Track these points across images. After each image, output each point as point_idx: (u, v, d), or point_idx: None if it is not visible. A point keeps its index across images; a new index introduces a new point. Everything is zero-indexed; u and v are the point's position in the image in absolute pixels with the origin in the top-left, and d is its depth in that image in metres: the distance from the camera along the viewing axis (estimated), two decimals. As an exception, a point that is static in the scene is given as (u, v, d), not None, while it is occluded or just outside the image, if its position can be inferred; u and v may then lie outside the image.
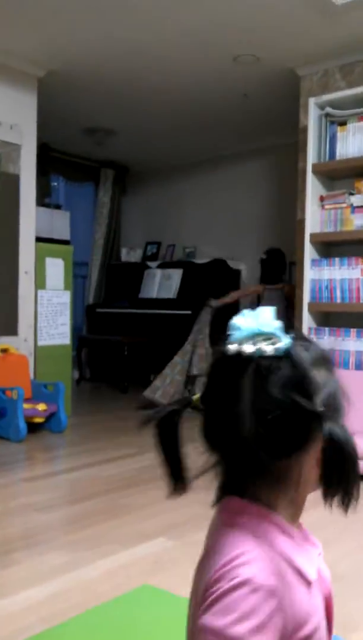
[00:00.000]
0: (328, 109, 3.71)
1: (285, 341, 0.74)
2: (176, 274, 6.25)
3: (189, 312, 5.84)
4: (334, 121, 3.72)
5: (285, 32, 3.72)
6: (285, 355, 0.74)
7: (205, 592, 0.72)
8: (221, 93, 4.76)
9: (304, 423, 0.72)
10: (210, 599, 0.70)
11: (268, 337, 0.75)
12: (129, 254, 6.98)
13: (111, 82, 4.60)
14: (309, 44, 3.85)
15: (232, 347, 0.75)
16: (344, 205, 3.65)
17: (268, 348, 0.73)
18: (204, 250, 6.49)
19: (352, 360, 3.54)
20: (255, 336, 0.75)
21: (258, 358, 0.73)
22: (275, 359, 0.73)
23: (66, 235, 5.68)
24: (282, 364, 0.73)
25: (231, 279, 6.24)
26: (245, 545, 0.73)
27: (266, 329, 0.75)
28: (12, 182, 4.25)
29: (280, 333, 0.75)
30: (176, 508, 2.59)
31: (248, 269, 6.28)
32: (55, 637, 1.56)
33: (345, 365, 3.56)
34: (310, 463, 0.75)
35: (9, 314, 4.25)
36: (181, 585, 1.87)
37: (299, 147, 4.11)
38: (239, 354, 0.74)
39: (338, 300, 3.62)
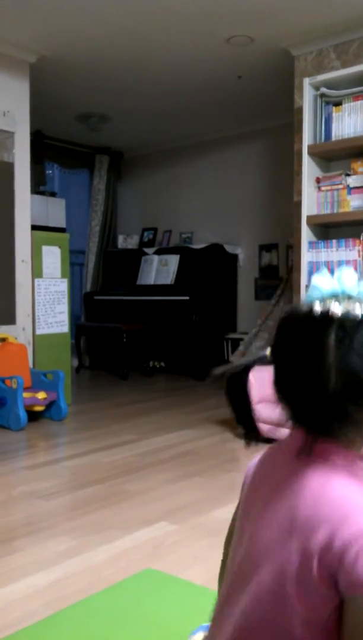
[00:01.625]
0: (323, 89, 3.67)
1: None
2: (173, 260, 6.23)
3: (187, 297, 5.83)
4: (329, 101, 3.68)
5: (279, 11, 3.67)
6: None
7: (345, 545, 0.72)
8: (215, 75, 4.72)
9: None
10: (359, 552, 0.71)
11: (351, 298, 0.76)
12: (126, 241, 6.95)
13: (103, 67, 4.55)
14: (303, 23, 3.81)
15: (317, 307, 0.76)
16: (340, 186, 3.63)
17: (359, 310, 0.75)
18: (201, 236, 6.47)
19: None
20: (337, 297, 0.77)
21: (341, 318, 0.74)
22: (359, 320, 0.75)
23: (62, 223, 5.65)
24: None
25: (229, 263, 6.23)
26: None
27: (352, 291, 0.77)
28: (6, 170, 4.22)
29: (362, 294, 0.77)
30: (177, 492, 2.60)
31: (245, 253, 6.26)
32: (59, 622, 1.57)
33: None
34: None
35: (6, 303, 4.24)
36: (183, 568, 1.88)
37: (294, 128, 4.08)
38: (322, 313, 0.76)
39: (336, 283, 3.61)
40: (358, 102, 3.56)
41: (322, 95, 3.69)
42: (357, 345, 0.73)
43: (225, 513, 2.34)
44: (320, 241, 3.69)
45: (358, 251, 3.50)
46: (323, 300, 0.77)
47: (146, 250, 6.60)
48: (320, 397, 0.75)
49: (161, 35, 4.02)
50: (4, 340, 4.10)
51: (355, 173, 3.59)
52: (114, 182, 7.07)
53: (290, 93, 4.21)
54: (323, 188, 3.70)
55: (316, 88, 3.71)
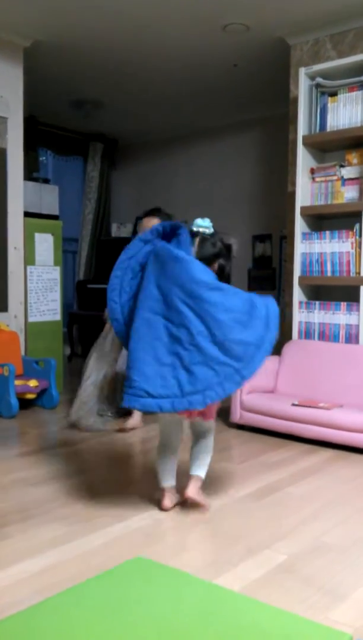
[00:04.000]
0: (319, 79, 3.66)
1: (212, 230, 2.29)
2: (167, 249, 6.21)
3: (180, 287, 5.81)
4: (325, 92, 3.67)
5: (275, -1, 3.64)
6: (212, 235, 2.29)
7: None
8: (210, 63, 4.68)
9: (216, 256, 2.29)
10: None
11: (206, 227, 2.28)
12: (120, 229, 6.92)
13: (98, 53, 4.50)
14: (299, 12, 3.78)
15: (194, 228, 2.28)
16: (335, 177, 3.62)
17: (209, 231, 2.29)
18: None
19: (342, 333, 3.55)
20: (200, 226, 2.28)
21: (202, 234, 2.27)
22: (209, 235, 2.28)
23: (55, 210, 5.61)
24: (212, 238, 2.29)
25: (222, 253, 6.21)
26: None
27: (207, 224, 2.28)
28: (-1, 156, 4.19)
29: (210, 227, 2.28)
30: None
31: (238, 243, 6.25)
32: (49, 609, 1.58)
33: (335, 339, 3.58)
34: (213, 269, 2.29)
35: (-2, 290, 4.22)
36: (172, 556, 1.90)
37: (289, 118, 4.06)
38: (196, 232, 2.29)
39: (329, 274, 3.62)
40: (354, 93, 3.55)
41: (318, 85, 3.68)
42: (207, 244, 2.27)
43: (217, 501, 2.36)
44: (313, 232, 3.69)
45: (352, 243, 3.51)
46: (197, 226, 2.28)
47: (140, 238, 6.56)
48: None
49: (157, 21, 3.98)
50: (-5, 327, 4.09)
51: (350, 164, 3.59)
52: (108, 170, 7.03)
53: (286, 83, 4.20)
54: (317, 179, 3.70)
55: (312, 78, 3.70)
